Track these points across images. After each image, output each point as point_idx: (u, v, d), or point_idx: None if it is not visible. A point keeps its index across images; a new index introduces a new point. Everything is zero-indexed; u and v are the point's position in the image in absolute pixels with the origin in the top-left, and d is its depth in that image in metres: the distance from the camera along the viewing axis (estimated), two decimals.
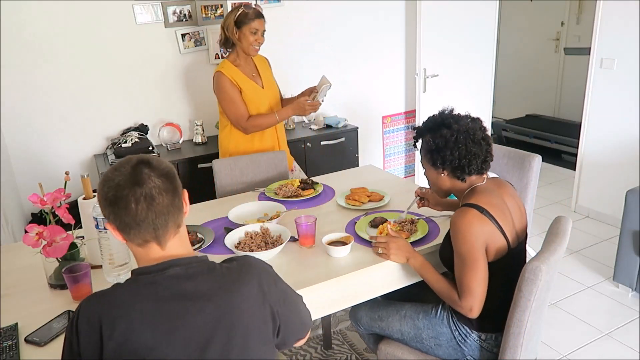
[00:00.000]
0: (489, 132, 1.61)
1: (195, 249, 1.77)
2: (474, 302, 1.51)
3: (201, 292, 1.02)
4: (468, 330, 1.62)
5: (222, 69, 2.52)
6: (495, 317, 1.59)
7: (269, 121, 2.56)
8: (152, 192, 1.01)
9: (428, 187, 1.86)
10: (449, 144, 1.57)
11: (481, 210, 1.50)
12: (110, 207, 1.02)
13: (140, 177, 1.01)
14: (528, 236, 1.72)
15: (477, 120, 1.63)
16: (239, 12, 2.45)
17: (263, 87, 2.62)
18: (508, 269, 1.57)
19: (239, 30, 2.47)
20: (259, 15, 2.47)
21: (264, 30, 2.52)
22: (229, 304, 1.03)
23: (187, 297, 1.01)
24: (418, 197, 1.98)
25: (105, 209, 1.03)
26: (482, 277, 1.50)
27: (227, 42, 2.54)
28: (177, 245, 1.08)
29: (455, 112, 1.66)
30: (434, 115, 1.66)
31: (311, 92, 2.63)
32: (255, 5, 2.48)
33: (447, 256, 1.62)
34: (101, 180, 1.05)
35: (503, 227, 1.52)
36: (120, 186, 1.00)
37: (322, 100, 2.58)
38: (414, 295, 1.93)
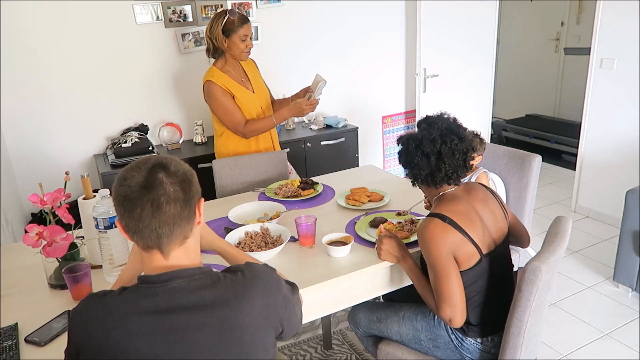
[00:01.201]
0: (463, 151, 1.56)
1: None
2: (453, 312, 1.49)
3: (203, 306, 1.00)
4: (463, 336, 1.62)
5: (211, 77, 2.47)
6: (489, 321, 1.58)
7: (266, 125, 2.54)
8: (159, 200, 0.98)
9: None
10: (403, 146, 1.61)
11: (444, 218, 1.49)
12: (118, 206, 1.01)
13: (152, 182, 0.99)
14: (530, 238, 1.69)
15: (451, 135, 1.54)
16: (225, 20, 2.39)
17: (254, 92, 2.59)
18: (491, 273, 1.55)
19: (228, 39, 2.42)
20: (245, 20, 2.43)
21: (252, 34, 2.49)
22: (233, 320, 1.01)
23: (189, 311, 0.99)
24: (426, 198, 1.95)
25: (116, 207, 1.02)
26: (455, 286, 1.48)
27: (216, 52, 2.50)
28: (182, 256, 1.05)
29: (446, 117, 1.61)
30: (430, 115, 1.65)
31: (305, 92, 2.61)
32: (238, 9, 2.46)
33: (424, 264, 1.62)
34: (117, 176, 1.03)
35: (470, 234, 1.50)
36: (130, 187, 0.99)
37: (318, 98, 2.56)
38: (414, 296, 1.92)
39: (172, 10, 3.16)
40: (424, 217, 1.58)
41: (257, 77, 2.67)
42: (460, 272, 1.51)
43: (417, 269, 1.63)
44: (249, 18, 2.78)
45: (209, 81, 2.48)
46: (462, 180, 1.63)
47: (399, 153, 1.65)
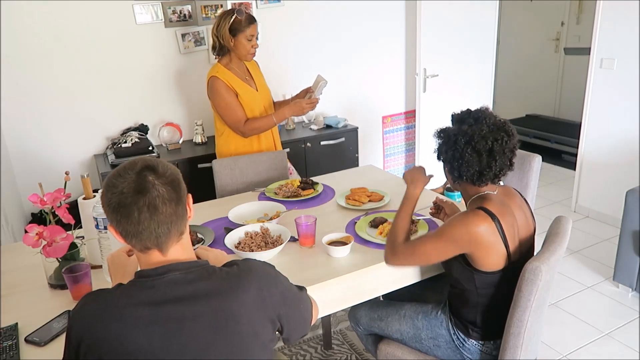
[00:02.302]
0: (511, 149, 1.51)
1: (195, 249, 1.77)
2: (399, 259, 1.56)
3: (199, 296, 1.01)
4: (465, 337, 1.61)
5: (216, 73, 2.47)
6: (494, 326, 1.58)
7: (266, 123, 2.54)
8: (155, 202, 1.00)
9: (446, 198, 1.86)
10: (449, 141, 1.52)
11: (493, 217, 1.45)
12: (113, 214, 1.01)
13: (144, 185, 1.00)
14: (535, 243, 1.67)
15: (500, 132, 1.49)
16: (232, 20, 2.40)
17: (257, 90, 2.60)
18: (511, 280, 1.51)
19: (235, 38, 2.43)
20: (252, 20, 2.44)
21: (258, 34, 2.50)
22: (228, 310, 1.02)
23: (185, 301, 1.00)
24: (433, 204, 1.91)
25: (108, 214, 1.03)
26: (428, 256, 1.52)
27: (221, 50, 2.50)
28: (179, 252, 1.08)
29: (489, 112, 1.56)
30: (471, 109, 1.57)
31: (306, 93, 2.62)
32: (245, 9, 2.46)
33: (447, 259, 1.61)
34: (104, 185, 1.03)
35: (508, 241, 1.47)
36: (123, 194, 0.99)
37: (319, 97, 2.57)
38: (415, 295, 1.93)
39: (172, 10, 3.16)
40: (475, 209, 1.50)
41: (260, 77, 2.68)
42: (482, 272, 1.49)
43: (412, 204, 1.67)
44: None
45: (213, 77, 2.48)
46: None
47: (441, 147, 1.56)
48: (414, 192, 1.67)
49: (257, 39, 2.48)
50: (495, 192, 1.55)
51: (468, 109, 1.58)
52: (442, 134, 1.56)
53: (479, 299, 1.54)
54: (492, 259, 1.48)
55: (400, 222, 1.63)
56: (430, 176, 1.72)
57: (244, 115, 2.52)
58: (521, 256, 1.55)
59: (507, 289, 1.52)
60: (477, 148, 1.47)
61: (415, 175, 1.70)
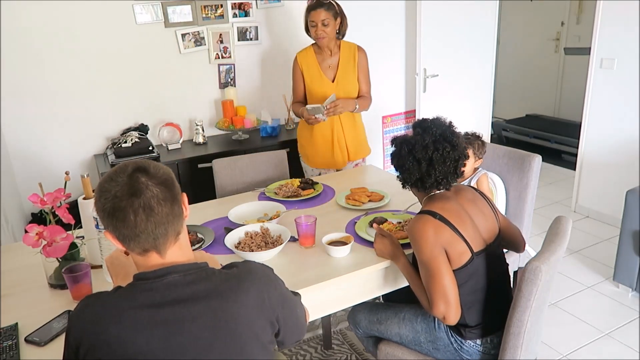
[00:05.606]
0: (454, 159, 1.57)
1: (195, 249, 1.77)
2: (447, 310, 1.49)
3: (198, 298, 1.01)
4: (461, 339, 1.61)
5: (299, 54, 2.68)
6: (486, 322, 1.58)
7: (296, 111, 2.72)
8: (150, 203, 0.99)
9: None
10: (396, 149, 1.63)
11: (434, 215, 1.51)
12: (108, 219, 1.00)
13: (137, 187, 0.99)
14: (526, 238, 1.69)
15: (444, 143, 1.56)
16: (308, 4, 2.51)
17: (333, 81, 2.62)
18: (484, 272, 1.56)
19: (307, 22, 2.55)
20: (315, 6, 2.46)
21: (325, 20, 2.49)
22: (227, 311, 1.02)
23: (184, 303, 1.00)
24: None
25: (104, 220, 1.02)
26: (448, 282, 1.49)
27: (308, 31, 2.63)
28: (177, 253, 1.07)
29: (442, 122, 1.62)
30: (427, 118, 1.65)
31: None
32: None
33: (416, 262, 1.62)
34: (97, 191, 1.02)
35: (461, 231, 1.51)
36: (117, 197, 0.98)
37: (324, 117, 2.59)
38: (414, 297, 1.92)
39: (172, 10, 3.16)
40: (414, 215, 1.59)
41: (350, 68, 2.68)
42: (452, 271, 1.51)
43: (410, 267, 1.64)
44: (251, 17, 2.79)
45: (296, 56, 2.69)
46: (462, 182, 1.64)
47: (392, 155, 1.67)
48: (401, 262, 1.66)
49: (325, 25, 2.50)
50: (440, 190, 1.62)
51: (423, 118, 1.66)
52: (393, 142, 1.67)
53: (461, 296, 1.54)
54: (453, 254, 1.50)
55: (415, 286, 1.62)
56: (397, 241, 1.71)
57: (298, 97, 2.70)
58: (488, 246, 1.59)
59: (485, 280, 1.55)
60: (417, 157, 1.56)
61: (385, 250, 1.69)
